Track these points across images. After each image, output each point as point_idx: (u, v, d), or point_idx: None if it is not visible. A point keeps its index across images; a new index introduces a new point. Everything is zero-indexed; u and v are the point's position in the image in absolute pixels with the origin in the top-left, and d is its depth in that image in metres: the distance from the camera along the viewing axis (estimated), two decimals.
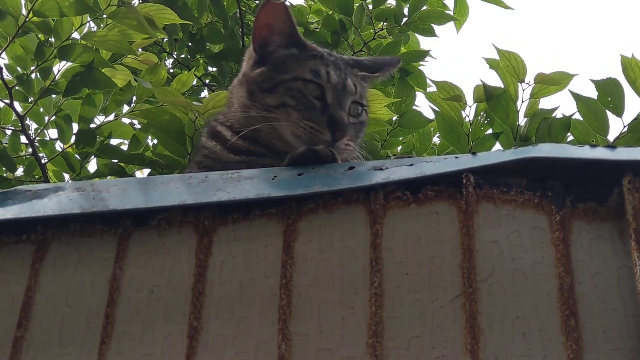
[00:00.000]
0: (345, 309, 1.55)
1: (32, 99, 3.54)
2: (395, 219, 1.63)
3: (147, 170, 3.55)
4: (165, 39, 5.01)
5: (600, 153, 1.57)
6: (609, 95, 3.15)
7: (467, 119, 3.69)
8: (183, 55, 5.50)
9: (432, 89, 3.74)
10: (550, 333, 1.45)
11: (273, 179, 1.74)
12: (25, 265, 1.72)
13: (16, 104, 3.57)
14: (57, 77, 3.38)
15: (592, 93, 3.24)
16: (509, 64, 3.40)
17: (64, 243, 1.74)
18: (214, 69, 5.35)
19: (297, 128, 2.24)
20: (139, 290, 1.67)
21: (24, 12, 3.17)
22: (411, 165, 1.68)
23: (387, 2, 4.69)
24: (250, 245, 1.66)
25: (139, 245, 1.72)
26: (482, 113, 3.71)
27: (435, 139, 4.64)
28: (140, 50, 3.50)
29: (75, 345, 1.62)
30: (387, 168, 1.69)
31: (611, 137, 3.29)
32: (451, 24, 4.76)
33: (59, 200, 1.77)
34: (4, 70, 3.36)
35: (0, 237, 1.77)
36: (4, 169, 3.61)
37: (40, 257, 1.73)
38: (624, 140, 3.28)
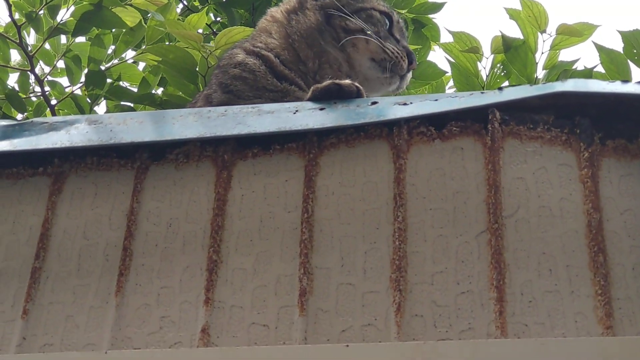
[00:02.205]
0: (368, 244, 1.53)
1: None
2: (419, 154, 1.60)
3: None
4: None
5: (632, 88, 1.54)
6: (635, 47, 3.10)
7: (483, 71, 3.64)
8: (194, 3, 5.43)
9: (449, 38, 3.69)
10: (577, 269, 1.43)
11: (295, 112, 1.70)
12: (42, 198, 1.70)
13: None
14: (66, 16, 3.33)
15: (615, 45, 3.19)
16: (530, 14, 3.34)
17: (81, 176, 1.72)
18: (224, 17, 5.28)
19: (379, 53, 2.31)
20: (156, 223, 1.65)
21: None
22: (436, 100, 1.65)
23: None
24: (270, 179, 1.64)
25: (157, 178, 1.70)
26: (499, 65, 3.66)
27: (449, 91, 4.60)
28: None
29: (94, 277, 1.60)
30: (410, 103, 1.66)
31: None
32: None
33: (77, 132, 1.74)
34: (12, 7, 3.31)
35: (17, 169, 1.75)
36: (13, 109, 3.57)
37: (58, 189, 1.71)
38: None
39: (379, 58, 2.30)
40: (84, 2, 3.19)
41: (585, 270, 1.43)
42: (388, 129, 1.63)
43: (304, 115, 1.69)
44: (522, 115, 1.60)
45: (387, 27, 2.41)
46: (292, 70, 2.32)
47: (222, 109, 1.77)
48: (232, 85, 2.29)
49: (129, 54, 3.64)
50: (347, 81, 1.88)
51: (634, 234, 1.45)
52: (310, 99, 1.82)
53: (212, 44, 2.80)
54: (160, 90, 3.71)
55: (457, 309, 1.44)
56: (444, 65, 3.92)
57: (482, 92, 1.65)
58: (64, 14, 3.34)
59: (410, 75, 2.39)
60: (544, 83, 3.52)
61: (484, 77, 3.67)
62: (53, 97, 3.66)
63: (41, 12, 3.36)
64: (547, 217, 1.49)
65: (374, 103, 1.70)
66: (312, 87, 1.85)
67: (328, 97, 1.79)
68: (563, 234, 1.47)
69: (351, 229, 1.56)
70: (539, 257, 1.46)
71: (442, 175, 1.57)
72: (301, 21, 2.43)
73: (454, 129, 1.61)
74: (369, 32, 2.32)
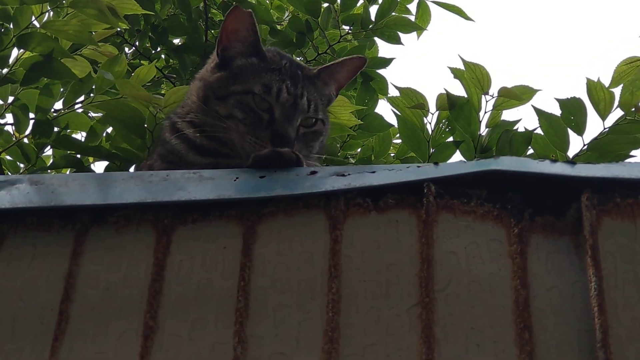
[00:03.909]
0: (302, 314, 1.56)
1: None
2: (355, 225, 1.63)
3: (104, 163, 3.51)
4: (127, 30, 4.96)
5: (560, 168, 1.59)
6: (572, 114, 3.21)
7: (428, 125, 3.70)
8: (145, 46, 5.45)
9: (395, 93, 3.75)
10: (504, 345, 1.47)
11: (235, 180, 1.73)
12: None
13: None
14: (15, 66, 3.33)
15: (553, 108, 3.29)
16: (473, 76, 3.42)
17: (20, 236, 1.72)
18: (175, 62, 5.31)
19: (243, 142, 2.26)
20: (94, 287, 1.65)
21: None
22: (373, 172, 1.69)
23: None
24: (209, 245, 1.66)
25: (96, 241, 1.70)
26: (444, 121, 3.73)
27: (396, 141, 4.66)
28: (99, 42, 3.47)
29: (27, 340, 1.60)
30: (349, 174, 1.69)
31: (571, 153, 3.35)
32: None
33: (18, 192, 1.75)
34: None
35: None
36: None
37: None
38: (583, 157, 3.34)
39: (244, 147, 2.26)
40: (34, 54, 3.20)
41: (511, 347, 1.46)
42: (326, 198, 1.67)
43: (243, 183, 1.72)
44: (456, 189, 1.64)
45: (267, 107, 2.32)
46: (211, 137, 2.33)
47: (164, 173, 1.79)
48: (169, 158, 2.37)
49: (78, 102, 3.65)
50: (287, 149, 1.91)
51: (559, 312, 1.50)
52: (250, 166, 1.85)
53: (161, 100, 2.81)
54: (104, 137, 3.72)
55: None
56: (391, 118, 3.98)
57: (418, 166, 1.69)
58: (13, 63, 3.34)
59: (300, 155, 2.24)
60: (484, 145, 3.61)
61: (430, 132, 3.74)
62: None
63: None
64: (477, 292, 1.53)
65: (312, 173, 1.73)
66: (252, 155, 1.89)
67: (268, 164, 1.83)
68: (491, 309, 1.51)
69: (286, 298, 1.58)
70: (468, 331, 1.49)
71: (376, 247, 1.60)
72: (195, 96, 2.48)
73: (390, 201, 1.65)
74: (237, 119, 2.30)
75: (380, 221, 1.63)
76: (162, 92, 4.74)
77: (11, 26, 3.29)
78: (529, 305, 1.50)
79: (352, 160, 4.55)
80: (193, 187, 1.72)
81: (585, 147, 3.33)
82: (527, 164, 1.63)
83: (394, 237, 1.61)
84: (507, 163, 1.63)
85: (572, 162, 1.61)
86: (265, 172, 1.77)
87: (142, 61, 5.18)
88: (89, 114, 3.66)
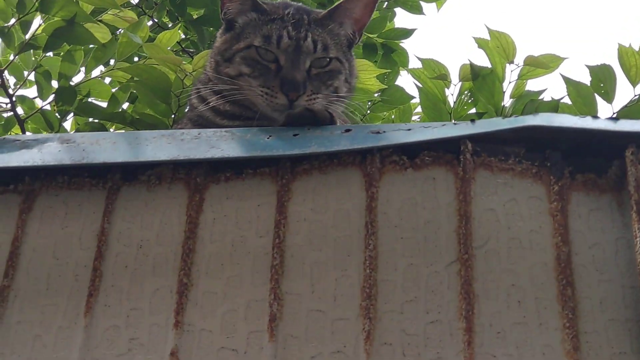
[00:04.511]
0: (339, 271, 1.54)
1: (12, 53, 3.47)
2: (391, 182, 1.61)
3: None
4: (145, 2, 4.92)
5: (603, 124, 1.56)
6: (602, 81, 3.15)
7: (450, 97, 3.67)
8: (163, 19, 5.42)
9: (418, 64, 3.71)
10: (546, 302, 1.45)
11: (268, 138, 1.71)
12: (12, 215, 1.69)
13: None
14: (37, 32, 3.30)
15: (581, 78, 3.24)
16: (498, 44, 3.37)
17: (52, 195, 1.71)
18: (194, 34, 5.28)
19: (256, 96, 2.25)
20: (127, 244, 1.64)
21: None
22: (409, 130, 1.67)
23: None
24: (242, 203, 1.64)
25: (128, 199, 1.69)
26: (466, 92, 3.69)
27: (415, 118, 4.63)
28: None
29: (63, 296, 1.59)
30: (384, 132, 1.67)
31: None
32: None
33: (48, 151, 1.73)
34: None
35: None
36: None
37: (28, 207, 1.70)
38: None
39: (259, 101, 2.25)
40: (56, 18, 3.17)
41: (554, 303, 1.45)
42: (361, 156, 1.64)
43: (277, 141, 1.70)
44: (493, 147, 1.62)
45: (273, 57, 2.30)
46: (235, 103, 2.33)
47: (195, 131, 1.77)
48: (198, 121, 2.37)
49: (99, 69, 3.63)
50: (320, 107, 1.89)
51: (602, 268, 1.48)
52: (283, 125, 1.84)
53: (187, 65, 2.79)
54: (126, 106, 3.70)
55: (426, 338, 1.45)
56: (412, 91, 3.94)
57: (454, 123, 1.66)
58: (36, 29, 3.32)
59: (319, 96, 2.26)
60: (516, 116, 3.57)
61: (452, 104, 3.70)
62: (23, 112, 3.63)
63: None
64: (517, 249, 1.51)
65: (347, 130, 1.71)
66: (285, 113, 1.87)
67: (301, 123, 1.81)
68: (532, 266, 1.49)
69: (322, 255, 1.56)
70: (508, 288, 1.47)
71: (413, 204, 1.59)
72: (208, 65, 2.50)
73: (427, 158, 1.62)
74: (246, 75, 2.29)
75: (417, 178, 1.61)
76: None
77: None
78: (571, 262, 1.48)
79: None
80: (226, 145, 1.70)
81: (614, 115, 3.28)
82: (567, 119, 1.60)
83: (431, 194, 1.59)
84: (546, 119, 1.60)
85: (615, 118, 1.58)
86: (299, 129, 1.75)
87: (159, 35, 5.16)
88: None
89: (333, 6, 2.43)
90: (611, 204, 1.54)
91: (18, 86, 3.64)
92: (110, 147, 1.74)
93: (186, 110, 2.66)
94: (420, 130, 1.66)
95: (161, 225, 1.65)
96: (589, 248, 1.50)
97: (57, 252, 1.64)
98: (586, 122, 1.57)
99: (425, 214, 1.57)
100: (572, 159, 1.59)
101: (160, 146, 1.72)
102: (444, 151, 1.63)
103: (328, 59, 2.34)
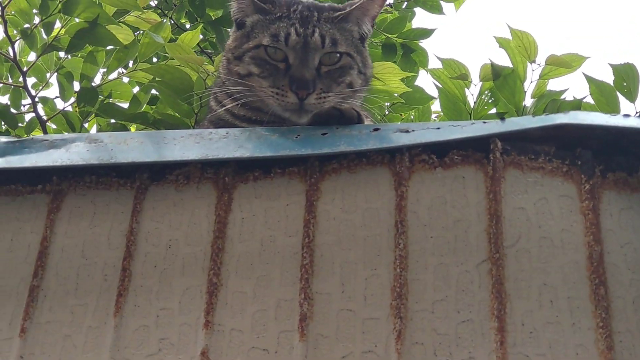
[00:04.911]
0: (369, 270, 1.54)
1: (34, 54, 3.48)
2: (421, 181, 1.61)
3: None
4: (165, 3, 4.93)
5: (634, 122, 1.55)
6: (625, 80, 3.13)
7: (470, 97, 3.65)
8: (182, 21, 5.44)
9: (437, 63, 3.70)
10: (578, 301, 1.44)
11: (297, 137, 1.71)
12: (41, 215, 1.70)
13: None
14: (60, 33, 3.31)
15: (603, 77, 3.22)
16: (520, 44, 3.36)
17: (80, 194, 1.71)
18: (213, 35, 5.29)
19: (268, 97, 2.23)
20: (155, 244, 1.64)
21: None
22: (438, 128, 1.66)
23: None
24: (271, 203, 1.64)
25: (156, 199, 1.69)
26: (486, 92, 3.68)
27: (433, 117, 4.62)
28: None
29: (92, 296, 1.60)
30: (412, 131, 1.66)
31: None
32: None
33: (76, 151, 1.74)
34: (8, 23, 3.29)
35: (16, 186, 1.74)
36: (3, 125, 3.54)
37: (56, 207, 1.70)
38: None
39: (271, 102, 2.24)
40: (79, 20, 3.18)
41: (587, 303, 1.44)
42: (390, 155, 1.64)
43: (305, 140, 1.70)
44: (523, 145, 1.61)
45: (283, 56, 2.28)
46: (249, 107, 2.32)
47: (223, 131, 1.77)
48: (219, 123, 2.35)
49: (120, 71, 3.63)
50: (347, 106, 1.88)
51: (634, 267, 1.47)
52: (311, 124, 1.83)
53: (209, 65, 2.79)
54: (146, 106, 3.70)
55: (457, 337, 1.45)
56: (431, 90, 3.93)
57: (484, 122, 1.65)
58: (59, 31, 3.33)
59: (330, 94, 2.22)
60: (544, 115, 3.55)
61: (472, 104, 3.69)
62: (44, 113, 3.65)
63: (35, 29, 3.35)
64: (548, 248, 1.50)
65: (375, 130, 1.70)
66: (313, 112, 1.86)
67: (329, 122, 1.80)
68: (564, 265, 1.48)
69: (352, 255, 1.56)
70: (540, 287, 1.46)
71: (443, 203, 1.58)
72: (221, 66, 2.51)
73: (456, 157, 1.62)
74: (255, 75, 2.28)
75: (446, 177, 1.60)
76: None
77: None
78: (603, 261, 1.47)
79: None
80: (254, 145, 1.70)
81: (638, 114, 3.26)
82: (598, 117, 1.59)
83: (460, 193, 1.58)
84: (577, 117, 1.59)
85: None
86: (327, 128, 1.75)
87: (178, 36, 5.17)
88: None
89: (352, 7, 2.41)
90: None
91: (40, 87, 3.65)
92: (138, 146, 1.74)
93: (207, 112, 2.66)
94: (450, 129, 1.66)
95: (190, 225, 1.65)
96: (621, 247, 1.49)
97: (86, 252, 1.65)
98: (617, 120, 1.56)
99: (455, 213, 1.56)
100: (603, 157, 1.58)
101: (188, 146, 1.72)
102: (473, 150, 1.62)
103: (338, 54, 2.31)
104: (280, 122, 2.19)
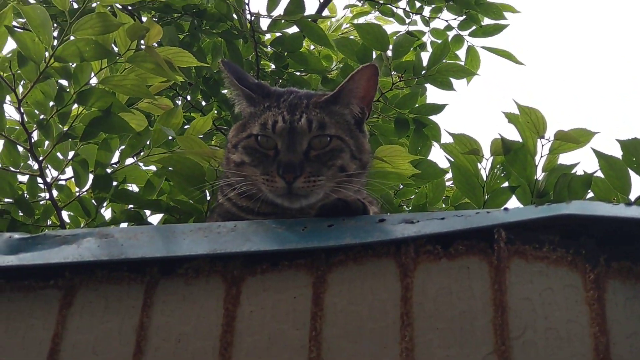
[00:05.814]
0: None
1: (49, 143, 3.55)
2: (426, 272, 1.62)
3: (160, 215, 3.53)
4: (180, 82, 5.01)
5: (636, 212, 1.57)
6: (634, 154, 3.14)
7: (483, 171, 3.67)
8: (197, 99, 5.52)
9: (449, 137, 3.73)
10: None
11: (303, 229, 1.73)
12: (53, 311, 1.71)
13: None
14: (75, 122, 3.38)
15: (611, 150, 3.23)
16: (528, 120, 3.39)
17: (92, 289, 1.74)
18: (227, 113, 5.36)
19: (260, 184, 2.26)
20: (166, 339, 1.66)
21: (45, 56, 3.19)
22: (442, 219, 1.68)
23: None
24: (279, 295, 1.66)
25: (166, 293, 1.71)
26: (498, 166, 3.70)
27: (449, 185, 4.64)
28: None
29: None
30: (417, 221, 1.68)
31: (632, 196, 3.28)
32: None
33: (87, 246, 1.77)
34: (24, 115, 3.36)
35: (28, 282, 1.76)
36: (20, 214, 3.59)
37: (68, 303, 1.72)
38: None
39: (264, 189, 2.25)
40: (93, 109, 3.25)
41: None
42: (395, 247, 1.66)
43: (312, 232, 1.72)
44: (527, 234, 1.63)
45: (273, 144, 2.31)
46: (250, 197, 2.34)
47: (231, 224, 1.80)
48: (227, 216, 2.37)
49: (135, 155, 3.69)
50: (353, 197, 1.90)
51: None
52: (316, 215, 1.86)
53: (221, 152, 2.83)
54: (159, 191, 3.74)
55: None
56: (443, 163, 3.95)
57: (487, 212, 1.67)
58: (73, 120, 3.39)
59: (321, 177, 2.22)
60: (541, 189, 3.56)
61: (484, 177, 3.71)
62: (60, 201, 3.69)
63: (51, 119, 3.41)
64: (555, 340, 1.50)
65: (381, 221, 1.73)
66: (319, 204, 1.89)
67: (335, 213, 1.83)
68: (570, 357, 1.48)
69: (359, 347, 1.57)
70: None
71: (448, 294, 1.59)
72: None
73: (460, 247, 1.63)
74: (247, 164, 2.33)
75: (452, 268, 1.62)
76: (213, 143, 4.79)
77: (70, 83, 3.34)
78: (609, 353, 1.47)
79: (406, 208, 4.52)
80: (261, 238, 1.72)
81: None
82: (600, 207, 1.61)
83: (465, 284, 1.59)
84: (579, 207, 1.61)
85: None
86: (334, 220, 1.77)
87: (192, 114, 5.24)
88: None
89: (336, 89, 2.44)
90: None
91: (57, 174, 3.71)
92: (148, 241, 1.77)
93: (215, 204, 2.70)
94: (454, 219, 1.68)
95: (199, 318, 1.67)
96: (627, 338, 1.49)
97: (97, 348, 1.66)
98: (619, 210, 1.58)
99: (460, 304, 1.57)
100: (607, 246, 1.59)
101: (196, 240, 1.75)
102: (478, 239, 1.63)
103: (328, 137, 2.32)
104: (282, 212, 2.22)
